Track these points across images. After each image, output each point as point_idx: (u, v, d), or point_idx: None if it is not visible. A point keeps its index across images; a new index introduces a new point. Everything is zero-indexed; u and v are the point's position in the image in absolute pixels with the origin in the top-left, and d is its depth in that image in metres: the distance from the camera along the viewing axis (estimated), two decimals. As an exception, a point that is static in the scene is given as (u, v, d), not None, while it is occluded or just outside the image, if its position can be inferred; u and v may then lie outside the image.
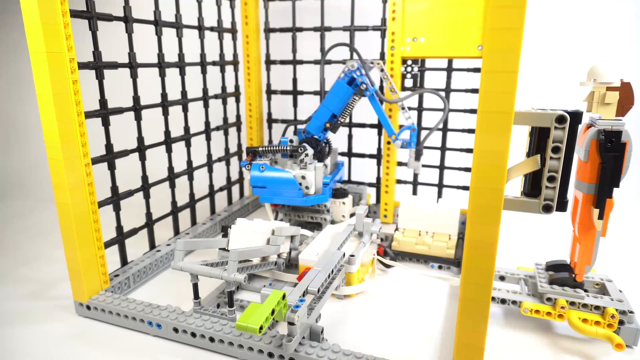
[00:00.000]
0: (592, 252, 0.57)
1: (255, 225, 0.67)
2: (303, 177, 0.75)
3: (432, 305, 0.66)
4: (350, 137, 1.01)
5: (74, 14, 0.59)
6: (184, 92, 0.84)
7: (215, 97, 0.94)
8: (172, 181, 0.82)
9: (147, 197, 0.77)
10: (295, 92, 1.02)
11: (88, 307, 0.62)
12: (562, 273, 0.61)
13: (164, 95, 0.79)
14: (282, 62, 1.01)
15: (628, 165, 0.53)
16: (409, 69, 0.84)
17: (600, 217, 0.54)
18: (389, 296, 0.69)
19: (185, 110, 0.85)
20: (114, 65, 0.67)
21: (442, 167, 0.94)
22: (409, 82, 0.86)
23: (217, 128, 0.95)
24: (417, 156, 0.81)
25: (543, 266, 0.64)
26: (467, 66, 0.86)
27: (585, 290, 0.59)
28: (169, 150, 0.81)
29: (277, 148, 0.76)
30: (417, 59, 0.83)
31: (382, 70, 0.80)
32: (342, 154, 1.00)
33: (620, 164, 0.52)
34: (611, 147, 0.52)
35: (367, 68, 0.77)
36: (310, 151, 0.76)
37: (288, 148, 0.75)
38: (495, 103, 0.40)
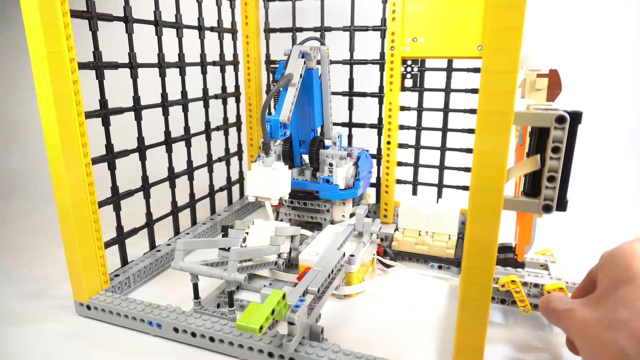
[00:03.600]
0: (530, 233, 0.58)
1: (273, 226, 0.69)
2: None
3: (432, 305, 0.66)
4: (350, 137, 1.01)
5: (74, 14, 0.59)
6: (184, 92, 0.84)
7: (215, 97, 0.94)
8: (172, 181, 0.82)
9: (147, 197, 0.77)
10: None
11: (88, 307, 0.62)
12: (505, 254, 0.63)
13: (164, 95, 0.79)
14: (282, 62, 1.01)
15: None
16: (408, 69, 0.84)
17: None
18: (389, 296, 0.69)
19: (185, 110, 0.85)
20: (114, 65, 0.67)
21: (442, 167, 0.94)
22: (409, 82, 0.86)
23: (217, 128, 0.95)
24: None
25: None
26: (467, 66, 0.86)
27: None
28: (169, 150, 0.81)
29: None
30: (417, 59, 0.83)
31: None
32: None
33: None
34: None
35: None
36: None
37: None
38: (495, 103, 0.40)
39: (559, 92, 0.54)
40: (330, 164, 0.81)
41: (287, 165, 0.72)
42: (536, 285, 0.60)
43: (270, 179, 0.67)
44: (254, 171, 0.68)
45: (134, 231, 0.74)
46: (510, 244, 0.66)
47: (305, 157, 0.90)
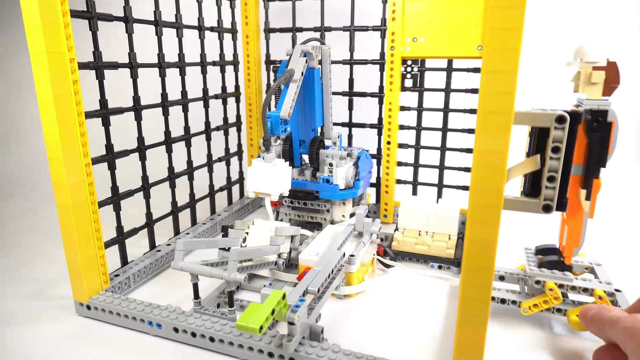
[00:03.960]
0: (580, 234, 0.56)
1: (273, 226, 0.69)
2: None
3: (432, 305, 0.66)
4: (350, 137, 1.01)
5: (74, 14, 0.59)
6: (184, 92, 0.84)
7: (215, 97, 0.94)
8: (172, 181, 0.82)
9: (147, 197, 0.77)
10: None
11: (88, 307, 0.62)
12: (551, 256, 0.61)
13: (164, 95, 0.79)
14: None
15: (615, 146, 0.53)
16: (408, 69, 0.84)
17: (588, 197, 0.53)
18: (389, 296, 0.69)
19: (185, 110, 0.85)
20: (114, 65, 0.67)
21: (442, 167, 0.94)
22: (409, 82, 0.86)
23: (217, 128, 0.95)
24: None
25: (532, 250, 0.65)
26: (467, 66, 0.86)
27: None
28: (169, 150, 0.81)
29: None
30: (417, 59, 0.83)
31: None
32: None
33: (606, 144, 0.52)
34: (597, 127, 0.51)
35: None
36: None
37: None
38: (495, 103, 0.40)
39: (617, 86, 0.51)
40: (330, 164, 0.81)
41: (287, 162, 0.72)
42: (585, 290, 0.57)
43: (271, 175, 0.67)
44: (254, 167, 0.69)
45: (134, 231, 0.74)
46: (553, 245, 0.63)
47: (305, 157, 0.90)
